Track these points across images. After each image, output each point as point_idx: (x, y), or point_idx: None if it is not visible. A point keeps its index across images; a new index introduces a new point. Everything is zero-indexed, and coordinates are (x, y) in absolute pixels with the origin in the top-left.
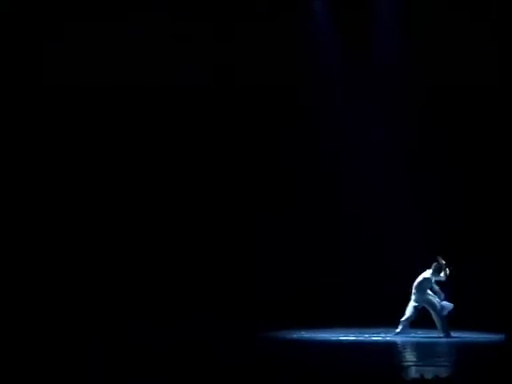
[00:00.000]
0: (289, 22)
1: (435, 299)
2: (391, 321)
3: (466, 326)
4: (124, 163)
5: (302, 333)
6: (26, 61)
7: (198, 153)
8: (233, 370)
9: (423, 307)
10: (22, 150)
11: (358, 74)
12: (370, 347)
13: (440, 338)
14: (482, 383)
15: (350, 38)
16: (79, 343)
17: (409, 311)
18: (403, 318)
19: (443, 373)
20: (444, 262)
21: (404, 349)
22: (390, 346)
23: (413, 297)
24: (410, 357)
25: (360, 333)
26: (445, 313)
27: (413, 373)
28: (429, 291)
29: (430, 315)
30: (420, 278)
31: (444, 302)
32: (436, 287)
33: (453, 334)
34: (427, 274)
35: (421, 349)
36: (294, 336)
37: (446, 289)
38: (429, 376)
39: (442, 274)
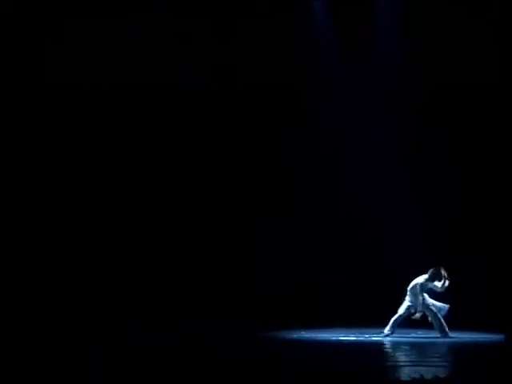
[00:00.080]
0: (289, 21)
1: (429, 301)
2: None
3: (466, 326)
4: (124, 163)
5: (302, 333)
6: (26, 61)
7: (199, 153)
8: (233, 370)
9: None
10: (21, 150)
11: (358, 73)
12: (370, 347)
13: (438, 337)
14: (482, 383)
15: (350, 38)
16: (79, 343)
17: (401, 310)
18: (394, 317)
19: (443, 373)
20: (446, 275)
21: (404, 349)
22: (390, 346)
23: (407, 298)
24: (409, 357)
25: (360, 333)
26: (442, 314)
27: (412, 373)
28: (423, 294)
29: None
30: (413, 283)
31: (440, 304)
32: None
33: (452, 334)
34: (421, 279)
35: (420, 349)
36: (294, 336)
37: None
38: (429, 376)
39: (438, 284)
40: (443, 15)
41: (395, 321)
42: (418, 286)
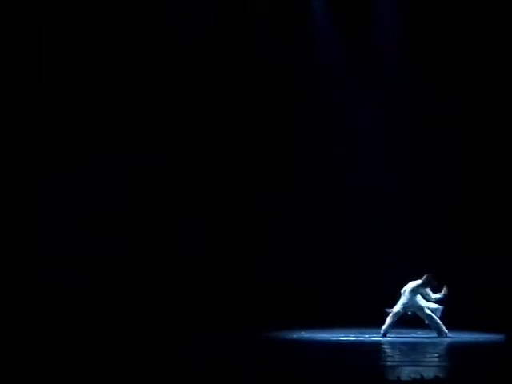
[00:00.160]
0: (288, 21)
1: (423, 303)
2: None
3: (466, 326)
4: (124, 163)
5: (302, 333)
6: (26, 61)
7: (199, 156)
8: (233, 370)
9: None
10: (21, 150)
11: (357, 74)
12: (370, 347)
13: (436, 337)
14: (482, 383)
15: (350, 38)
16: (80, 348)
17: (395, 309)
18: (389, 317)
19: (443, 373)
20: (435, 283)
21: (404, 349)
22: (390, 347)
23: (401, 301)
24: (409, 357)
25: (360, 333)
26: (437, 315)
27: (413, 373)
28: (418, 297)
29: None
30: (406, 287)
31: (434, 305)
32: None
33: (452, 334)
34: (414, 284)
35: (420, 349)
36: (294, 336)
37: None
38: (429, 376)
39: (430, 292)
40: (443, 15)
41: (391, 320)
42: (410, 290)
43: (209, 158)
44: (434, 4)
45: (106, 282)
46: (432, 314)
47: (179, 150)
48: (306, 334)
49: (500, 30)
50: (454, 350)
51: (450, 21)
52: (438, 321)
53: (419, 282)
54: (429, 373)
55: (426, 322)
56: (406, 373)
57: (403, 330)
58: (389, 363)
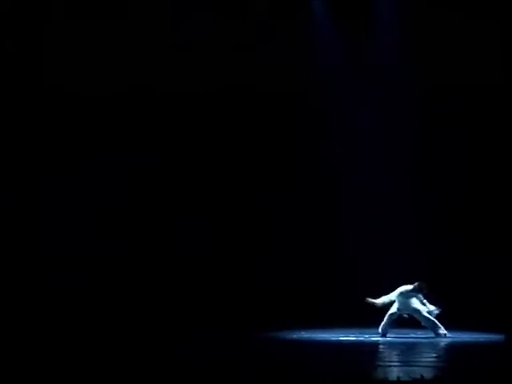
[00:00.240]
0: (288, 21)
1: (419, 306)
2: None
3: (466, 325)
4: (124, 163)
5: (302, 333)
6: (26, 61)
7: (199, 156)
8: (233, 370)
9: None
10: (21, 149)
11: (357, 74)
12: (370, 347)
13: (435, 337)
14: (482, 383)
15: (350, 38)
16: (80, 348)
17: (391, 310)
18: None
19: (443, 373)
20: (426, 291)
21: (403, 349)
22: (390, 347)
23: (395, 304)
24: (409, 357)
25: (360, 333)
26: (433, 315)
27: (412, 373)
28: (412, 300)
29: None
30: (399, 290)
31: (430, 306)
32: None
33: (452, 334)
34: (403, 288)
35: (420, 349)
36: (294, 336)
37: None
38: (428, 376)
39: (426, 302)
40: (443, 15)
41: (388, 319)
42: (398, 294)
43: (209, 158)
44: (433, 4)
45: (106, 282)
46: (429, 316)
47: (179, 150)
48: (305, 334)
49: (500, 29)
50: (453, 350)
51: (450, 21)
52: (436, 322)
53: (410, 287)
54: (428, 373)
55: (423, 323)
56: (406, 373)
57: (403, 331)
58: (388, 363)
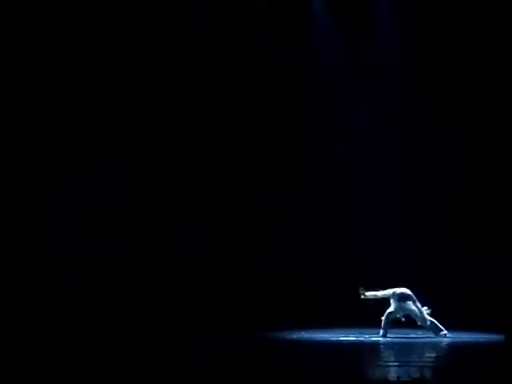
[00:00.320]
0: (288, 21)
1: (415, 307)
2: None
3: (466, 325)
4: (124, 163)
5: (302, 333)
6: (26, 61)
7: (199, 156)
8: (233, 370)
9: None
10: (21, 149)
11: (357, 74)
12: (370, 347)
13: (435, 337)
14: (482, 383)
15: (350, 38)
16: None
17: (389, 310)
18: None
19: (442, 373)
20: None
21: (403, 349)
22: (390, 347)
23: (392, 305)
24: (409, 357)
25: (360, 333)
26: (428, 315)
27: (412, 373)
28: (407, 302)
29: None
30: (391, 292)
31: (425, 308)
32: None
33: (452, 334)
34: (399, 290)
35: (420, 349)
36: (294, 336)
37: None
38: (428, 376)
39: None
40: (443, 15)
41: (386, 319)
42: (392, 295)
43: (209, 158)
44: (434, 4)
45: (106, 282)
46: (427, 317)
47: (179, 150)
48: (305, 334)
49: (500, 29)
50: (453, 350)
51: (450, 21)
52: (435, 322)
53: (401, 290)
54: (428, 373)
55: (419, 323)
56: (406, 373)
57: (403, 331)
58: (388, 363)
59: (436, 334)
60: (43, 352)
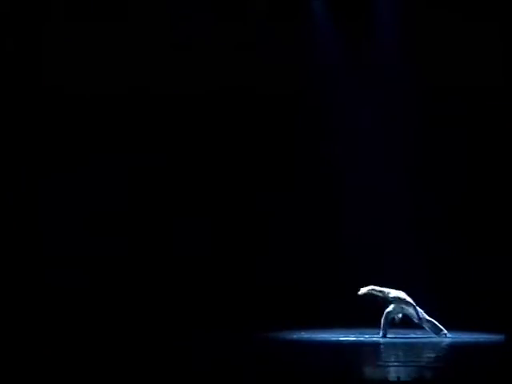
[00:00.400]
0: (288, 21)
1: (413, 309)
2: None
3: (466, 325)
4: (124, 163)
5: (302, 333)
6: (26, 61)
7: (199, 155)
8: (233, 370)
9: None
10: (21, 149)
11: (357, 73)
12: (370, 347)
13: (435, 337)
14: (482, 383)
15: (350, 38)
16: (80, 348)
17: (387, 310)
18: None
19: (442, 373)
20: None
21: (403, 349)
22: (390, 347)
23: (391, 305)
24: (409, 357)
25: (360, 333)
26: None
27: (412, 373)
28: (407, 307)
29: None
30: (395, 295)
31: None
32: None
33: (452, 334)
34: (404, 296)
35: (420, 349)
36: (294, 336)
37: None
38: (428, 376)
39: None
40: (443, 15)
41: (385, 319)
42: (399, 299)
43: (209, 158)
44: (433, 4)
45: (106, 282)
46: (426, 317)
47: (179, 150)
48: (305, 334)
49: (500, 29)
50: (453, 350)
51: (450, 21)
52: (435, 322)
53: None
54: (428, 373)
55: (416, 321)
56: (406, 373)
57: (403, 331)
58: (388, 363)
59: (436, 335)
60: (43, 352)
